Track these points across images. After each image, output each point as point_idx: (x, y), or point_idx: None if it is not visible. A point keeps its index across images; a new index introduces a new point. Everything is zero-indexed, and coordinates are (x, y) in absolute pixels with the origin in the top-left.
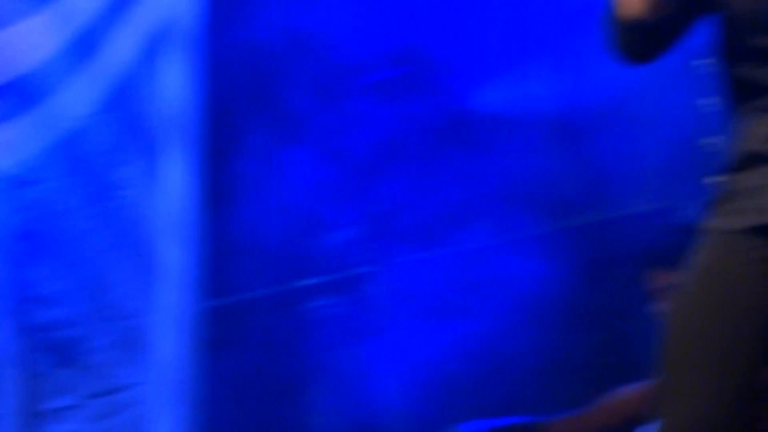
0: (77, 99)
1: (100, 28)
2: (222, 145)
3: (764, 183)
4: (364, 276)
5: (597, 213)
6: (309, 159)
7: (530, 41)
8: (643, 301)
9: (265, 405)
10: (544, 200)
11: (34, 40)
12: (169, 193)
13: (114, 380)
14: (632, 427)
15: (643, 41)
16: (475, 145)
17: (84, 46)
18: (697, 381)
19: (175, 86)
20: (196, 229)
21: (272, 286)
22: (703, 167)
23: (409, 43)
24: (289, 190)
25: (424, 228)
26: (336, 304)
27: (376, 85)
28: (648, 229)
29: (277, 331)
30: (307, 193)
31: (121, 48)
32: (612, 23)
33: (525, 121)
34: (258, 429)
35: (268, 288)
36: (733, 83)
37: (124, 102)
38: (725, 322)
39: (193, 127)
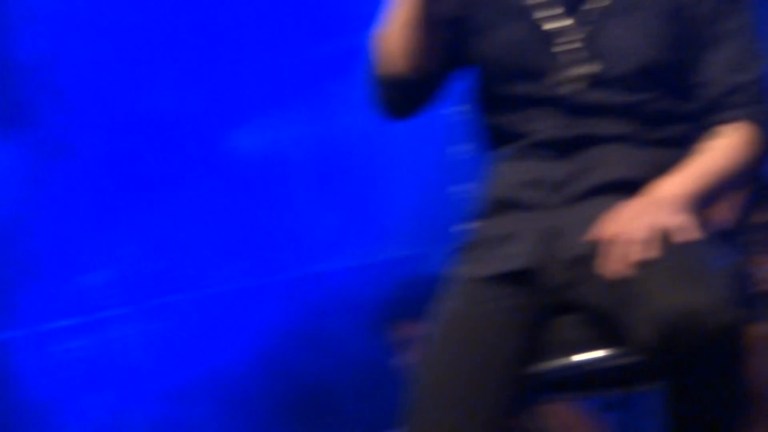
0: None
1: None
2: None
3: (513, 230)
4: (115, 318)
5: (344, 260)
6: (60, 199)
7: (284, 87)
8: (388, 352)
9: None
10: (292, 245)
11: None
12: None
13: None
14: None
15: (404, 97)
16: (225, 190)
17: None
18: (444, 431)
19: None
20: None
21: (21, 327)
22: (452, 215)
23: (164, 82)
24: (41, 230)
25: (173, 272)
26: (85, 347)
27: (125, 127)
28: (395, 277)
29: (26, 373)
30: (58, 234)
31: None
32: (374, 79)
33: (276, 166)
34: None
35: (16, 329)
36: (485, 131)
37: None
38: (472, 372)
39: None
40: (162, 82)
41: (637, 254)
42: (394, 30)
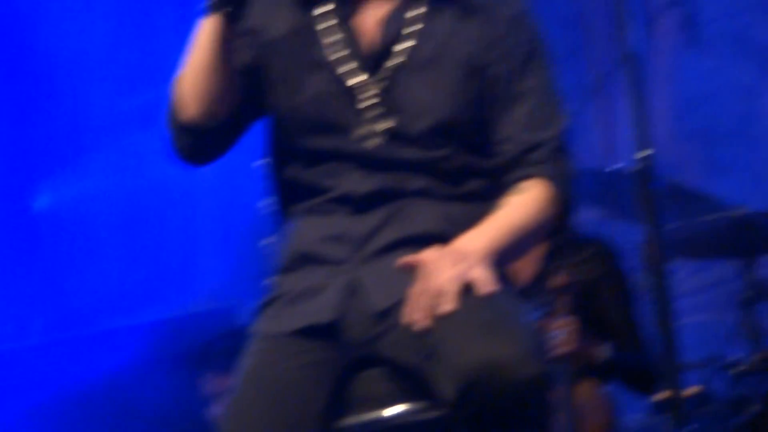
0: None
1: None
2: None
3: (316, 285)
4: None
5: (158, 312)
6: None
7: (88, 140)
8: (202, 404)
9: None
10: (107, 296)
11: None
12: None
13: None
14: None
15: (198, 143)
16: (30, 246)
17: None
18: None
19: None
20: None
21: None
22: (262, 268)
23: None
24: None
25: None
26: None
27: None
28: (206, 330)
29: None
30: None
31: None
32: (171, 125)
33: (86, 219)
34: None
35: None
36: (283, 184)
37: None
38: (274, 429)
39: None
40: None
41: (439, 307)
42: (189, 75)
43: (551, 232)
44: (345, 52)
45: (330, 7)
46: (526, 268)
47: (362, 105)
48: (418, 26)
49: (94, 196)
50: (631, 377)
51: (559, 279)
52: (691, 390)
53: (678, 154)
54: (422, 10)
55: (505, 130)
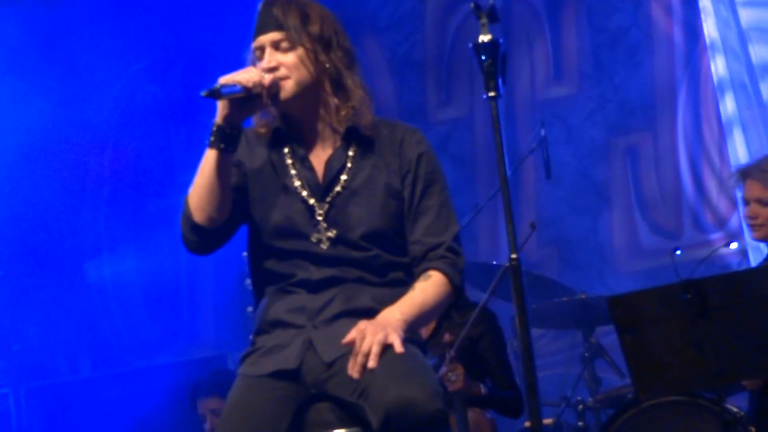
0: None
1: None
2: None
3: (280, 342)
4: None
5: (173, 356)
6: None
7: (125, 230)
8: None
9: None
10: (137, 344)
11: None
12: None
13: None
14: None
15: (203, 240)
16: (90, 302)
17: None
18: None
19: None
20: None
21: None
22: (247, 328)
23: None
24: None
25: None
26: None
27: None
28: (206, 370)
29: None
30: None
31: None
32: (183, 227)
33: (122, 285)
34: None
35: None
36: (260, 271)
37: None
38: None
39: None
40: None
41: (367, 360)
42: (195, 192)
43: (448, 306)
44: (304, 181)
45: (290, 148)
46: (429, 330)
47: (316, 219)
48: (351, 164)
49: (129, 271)
50: (504, 408)
51: (447, 336)
52: (548, 421)
53: (540, 255)
54: (353, 151)
55: (414, 235)
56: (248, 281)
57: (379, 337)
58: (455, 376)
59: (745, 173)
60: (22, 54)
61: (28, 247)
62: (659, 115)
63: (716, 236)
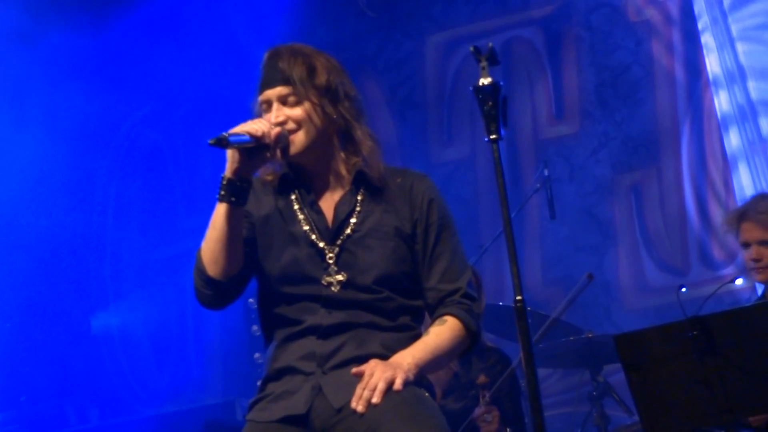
0: None
1: None
2: None
3: (289, 388)
4: None
5: (183, 404)
6: None
7: (130, 280)
8: None
9: None
10: (146, 392)
11: None
12: None
13: None
14: None
15: (217, 293)
16: (96, 352)
17: None
18: None
19: None
20: None
21: None
22: (255, 375)
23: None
24: None
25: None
26: None
27: None
28: (215, 416)
29: None
30: None
31: None
32: (196, 282)
33: (128, 335)
34: None
35: None
36: (269, 317)
37: None
38: None
39: None
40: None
41: (371, 399)
42: (207, 245)
43: (463, 351)
44: (313, 225)
45: (298, 194)
46: (446, 373)
47: (327, 262)
48: (360, 208)
49: (136, 319)
50: None
51: (482, 378)
52: None
53: (546, 294)
54: (362, 196)
55: (429, 282)
56: (255, 328)
57: (387, 375)
58: (491, 418)
59: (741, 216)
60: (24, 98)
61: (34, 299)
62: (663, 152)
63: (725, 272)
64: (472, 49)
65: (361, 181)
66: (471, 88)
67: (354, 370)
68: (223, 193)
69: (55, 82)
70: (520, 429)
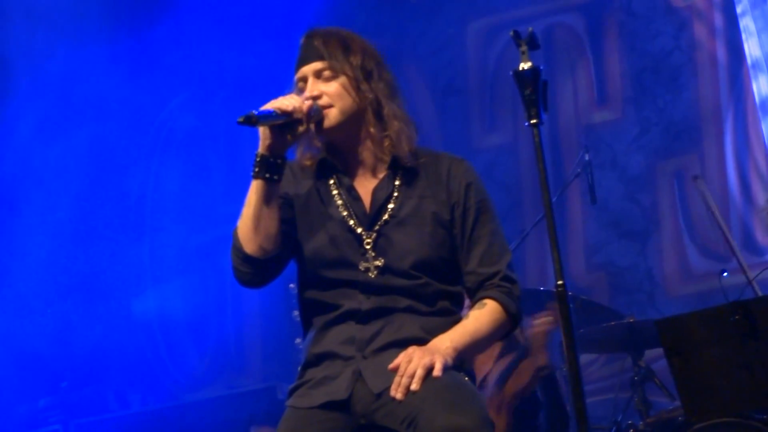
0: None
1: None
2: None
3: (329, 374)
4: None
5: (225, 388)
6: None
7: (170, 264)
8: None
9: None
10: (188, 377)
11: None
12: None
13: None
14: None
15: (257, 272)
16: (137, 336)
17: None
18: None
19: None
20: None
21: None
22: (295, 360)
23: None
24: None
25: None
26: None
27: None
28: (257, 401)
29: None
30: None
31: None
32: (234, 260)
33: (169, 319)
34: None
35: None
36: (308, 302)
37: None
38: None
39: None
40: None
41: (411, 384)
42: (243, 222)
43: (504, 334)
44: (351, 210)
45: (336, 178)
46: (486, 359)
47: (364, 248)
48: (397, 193)
49: (175, 306)
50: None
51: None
52: None
53: (589, 280)
54: (399, 181)
55: (468, 266)
56: (296, 313)
57: (425, 361)
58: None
59: None
60: (71, 88)
61: (74, 284)
62: (705, 137)
63: None
64: (511, 33)
65: (398, 165)
66: (511, 73)
67: (391, 365)
68: (257, 169)
69: (98, 71)
70: (561, 415)
